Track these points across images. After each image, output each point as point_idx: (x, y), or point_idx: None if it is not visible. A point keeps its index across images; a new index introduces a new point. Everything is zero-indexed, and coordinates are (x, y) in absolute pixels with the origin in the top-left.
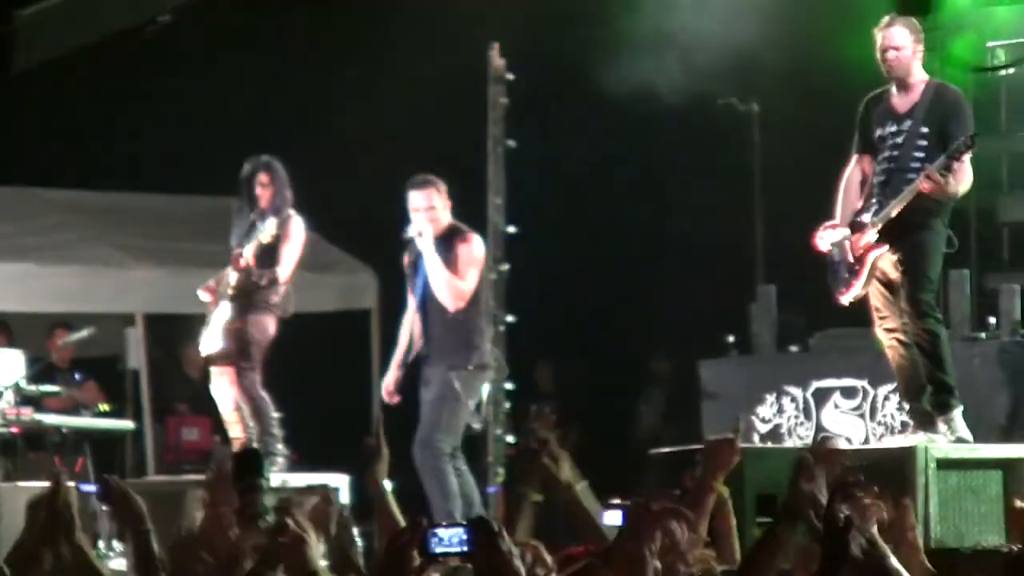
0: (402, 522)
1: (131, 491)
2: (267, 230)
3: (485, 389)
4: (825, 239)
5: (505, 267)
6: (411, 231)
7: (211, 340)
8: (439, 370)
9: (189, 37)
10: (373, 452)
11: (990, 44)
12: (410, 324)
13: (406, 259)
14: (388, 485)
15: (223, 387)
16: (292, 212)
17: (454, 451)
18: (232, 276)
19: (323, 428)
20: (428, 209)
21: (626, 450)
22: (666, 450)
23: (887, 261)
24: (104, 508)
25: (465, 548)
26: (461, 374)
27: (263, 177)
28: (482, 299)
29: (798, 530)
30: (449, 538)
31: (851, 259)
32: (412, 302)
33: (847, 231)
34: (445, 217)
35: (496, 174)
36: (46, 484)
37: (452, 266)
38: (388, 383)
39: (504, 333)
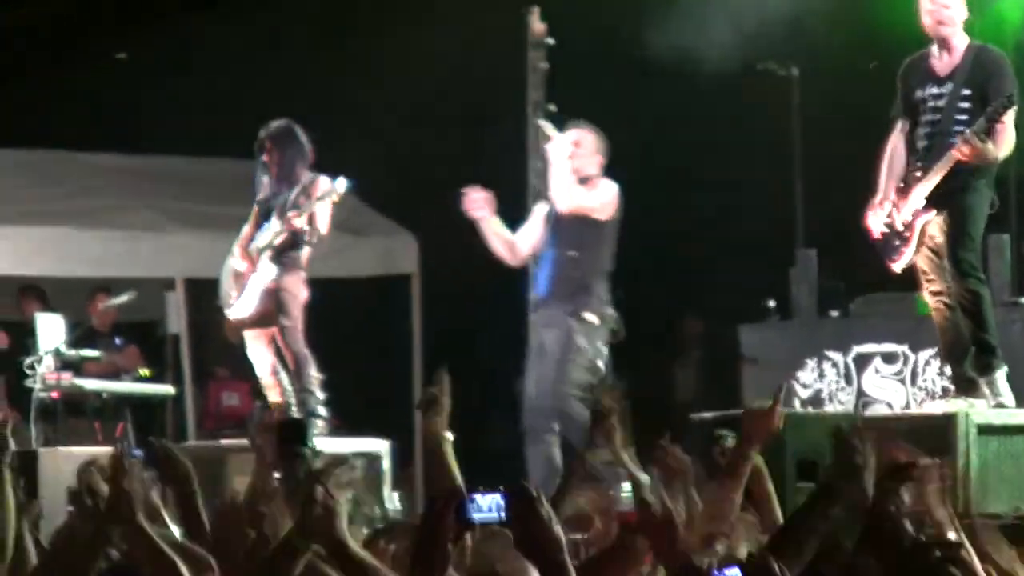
0: (459, 480)
1: (177, 453)
2: (292, 199)
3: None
4: (875, 222)
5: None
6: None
7: (246, 303)
8: (558, 316)
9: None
10: (433, 402)
11: None
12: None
13: (540, 209)
14: (450, 437)
15: (260, 350)
16: (314, 177)
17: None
18: (266, 236)
19: (364, 395)
20: (576, 143)
21: (665, 413)
22: (707, 415)
23: (934, 225)
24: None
25: (503, 515)
26: (582, 323)
27: (266, 152)
28: (606, 250)
29: (839, 504)
30: (488, 506)
31: (900, 226)
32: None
33: (893, 201)
34: (590, 166)
35: (536, 139)
36: (90, 450)
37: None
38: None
39: None
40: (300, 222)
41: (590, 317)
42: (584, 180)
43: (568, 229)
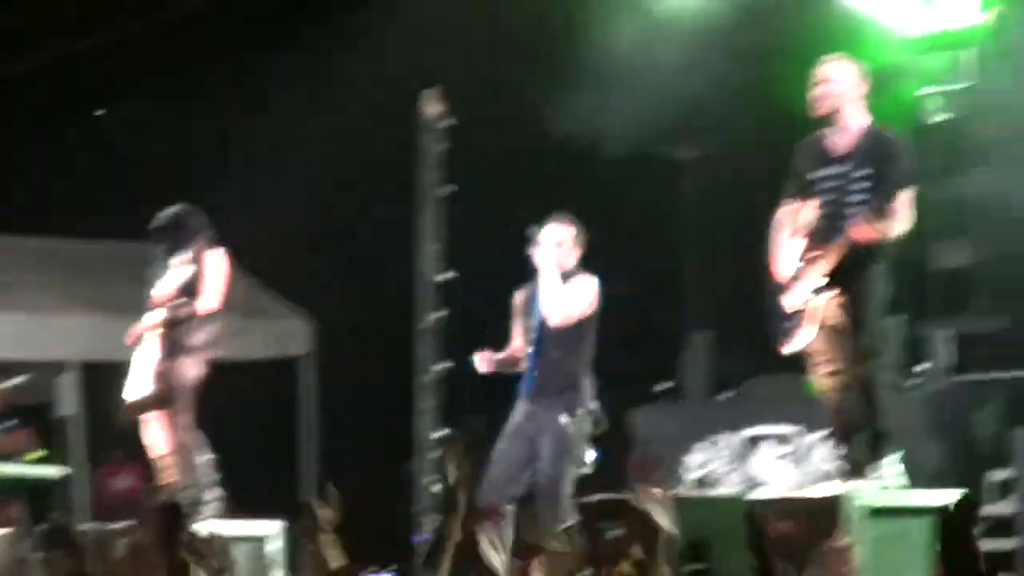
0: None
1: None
2: (173, 279)
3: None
4: (786, 295)
5: (442, 314)
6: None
7: (137, 385)
8: (551, 414)
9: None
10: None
11: (921, 91)
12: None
13: (518, 298)
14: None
15: (155, 431)
16: (211, 250)
17: None
18: (151, 317)
19: (256, 476)
20: (558, 244)
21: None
22: (594, 498)
23: (831, 306)
24: None
25: None
26: (575, 418)
27: (162, 235)
28: (589, 343)
29: None
30: None
31: (794, 308)
32: (518, 341)
33: (792, 279)
34: (571, 261)
35: (430, 220)
36: None
37: (569, 288)
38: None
39: (439, 381)
40: (165, 290)
41: (581, 412)
42: (566, 276)
43: (556, 333)
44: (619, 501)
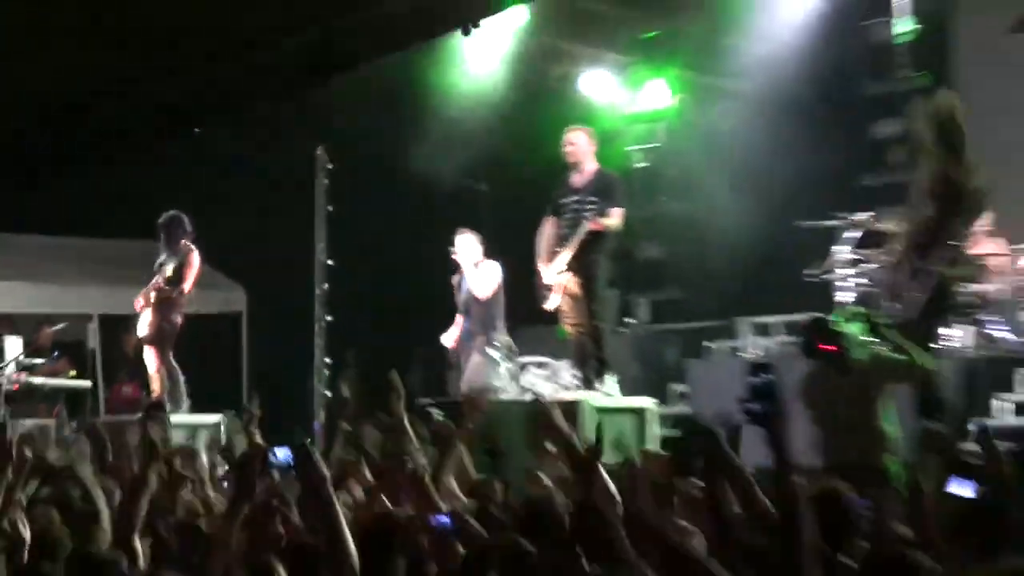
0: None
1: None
2: (170, 266)
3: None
4: (545, 274)
5: (326, 286)
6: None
7: (142, 329)
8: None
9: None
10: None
11: (630, 148)
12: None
13: (454, 280)
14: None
15: (149, 358)
16: (190, 248)
17: None
18: (153, 292)
19: (206, 387)
20: (468, 246)
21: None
22: (429, 400)
23: (572, 282)
24: None
25: (292, 464)
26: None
27: (161, 234)
28: (499, 305)
29: None
30: (282, 457)
31: (550, 281)
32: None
33: (549, 265)
34: (478, 255)
35: (320, 228)
36: (38, 421)
37: (482, 275)
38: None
39: (328, 327)
40: (161, 280)
41: (497, 343)
42: (476, 264)
43: (479, 300)
44: (453, 402)
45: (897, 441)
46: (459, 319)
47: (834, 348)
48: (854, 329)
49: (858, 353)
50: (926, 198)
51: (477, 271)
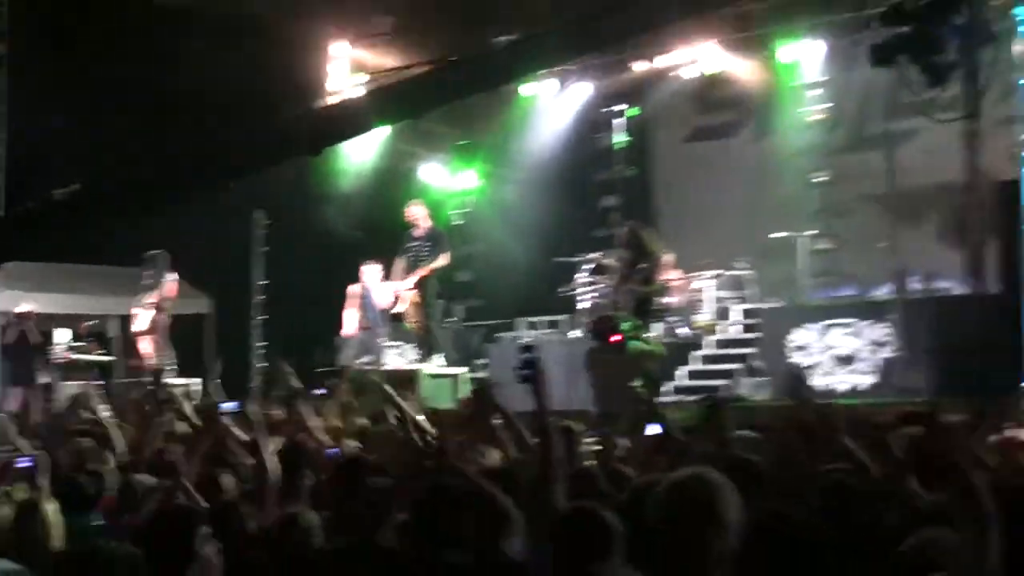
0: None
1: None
2: (160, 282)
3: None
4: (398, 291)
5: (262, 297)
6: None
7: (143, 324)
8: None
9: None
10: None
11: (451, 212)
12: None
13: (354, 292)
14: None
15: (148, 343)
16: (171, 272)
17: None
18: (148, 300)
19: (182, 364)
20: (375, 272)
21: None
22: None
23: (415, 295)
24: None
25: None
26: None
27: (152, 264)
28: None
29: None
30: (230, 406)
31: (398, 295)
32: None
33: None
34: (380, 277)
35: (257, 267)
36: (78, 383)
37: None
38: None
39: (264, 326)
40: (155, 296)
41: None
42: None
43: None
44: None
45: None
46: (354, 315)
47: (620, 337)
48: (626, 327)
49: (630, 343)
50: (628, 247)
51: (381, 288)
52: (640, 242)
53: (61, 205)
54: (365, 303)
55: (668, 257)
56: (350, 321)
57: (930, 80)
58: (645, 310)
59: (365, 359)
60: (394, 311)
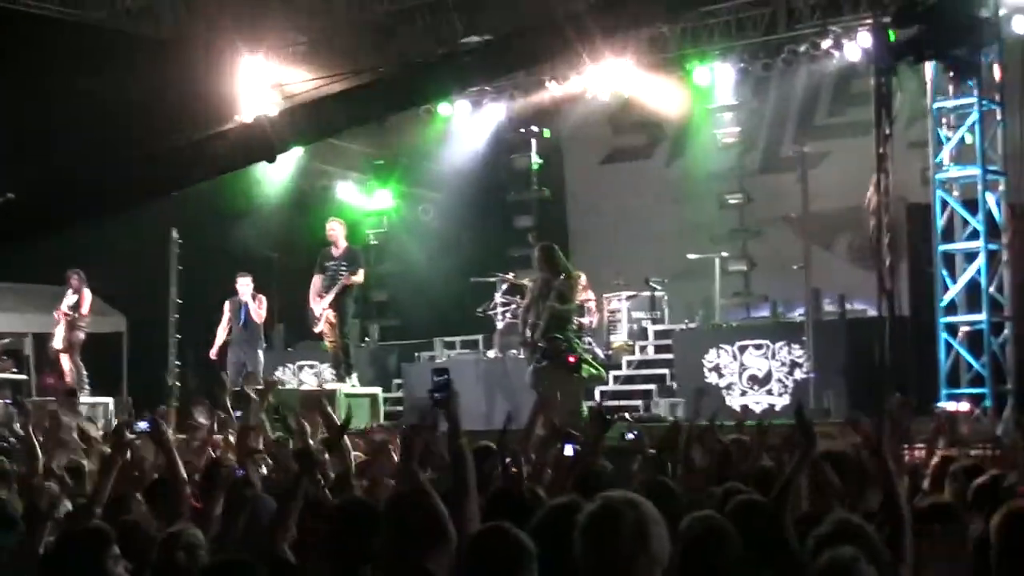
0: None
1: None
2: (73, 300)
3: None
4: (315, 309)
5: (177, 315)
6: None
7: (58, 341)
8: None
9: None
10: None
11: (368, 232)
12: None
13: (227, 307)
14: None
15: (64, 360)
16: (84, 289)
17: None
18: (61, 317)
19: (97, 382)
20: (247, 284)
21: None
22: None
23: (331, 315)
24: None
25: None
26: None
27: (72, 282)
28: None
29: None
30: (143, 425)
31: (318, 313)
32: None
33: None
34: (251, 290)
35: (174, 285)
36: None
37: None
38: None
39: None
40: (65, 308)
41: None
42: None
43: (253, 323)
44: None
45: (582, 416)
46: (220, 333)
47: (575, 359)
48: (578, 349)
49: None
50: (542, 267)
51: (254, 302)
52: (554, 261)
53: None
54: (239, 314)
55: (582, 278)
56: (220, 336)
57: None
58: (561, 329)
59: (247, 373)
60: (315, 328)
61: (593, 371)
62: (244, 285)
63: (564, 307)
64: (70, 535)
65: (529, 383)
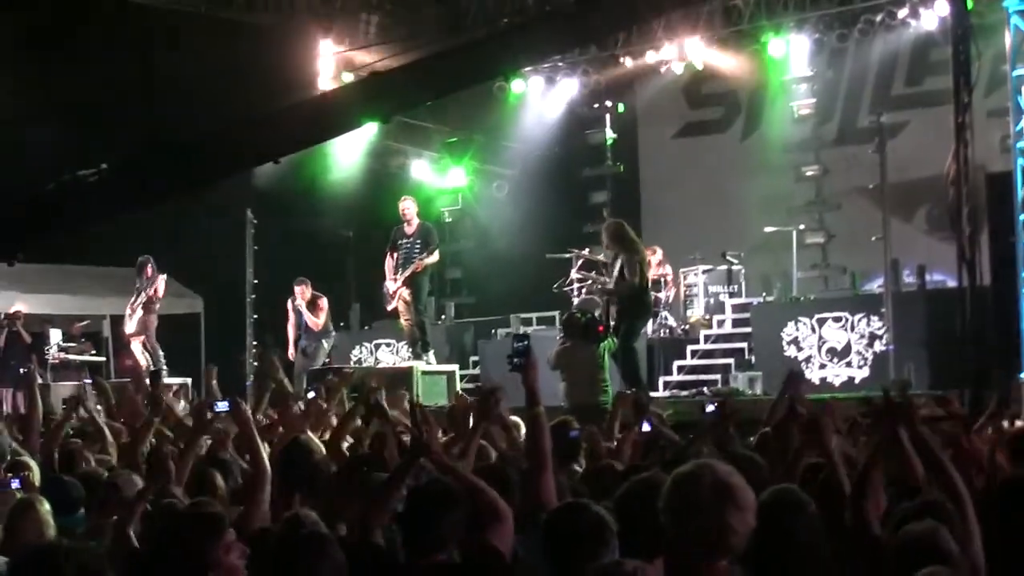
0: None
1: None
2: (148, 284)
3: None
4: (389, 288)
5: (253, 297)
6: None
7: (131, 325)
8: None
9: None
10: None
11: (442, 208)
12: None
13: (291, 306)
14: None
15: (137, 347)
16: (158, 274)
17: None
18: (140, 302)
19: (175, 363)
20: (303, 291)
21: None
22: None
23: (406, 293)
24: None
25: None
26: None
27: (147, 270)
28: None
29: None
30: (222, 406)
31: (392, 291)
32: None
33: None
34: (309, 294)
35: (249, 261)
36: (70, 383)
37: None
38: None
39: (253, 323)
40: (150, 294)
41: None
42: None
43: (308, 326)
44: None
45: (609, 393)
46: (291, 331)
47: (602, 329)
48: (602, 319)
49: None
50: (610, 244)
51: (312, 309)
52: (621, 237)
53: (86, 187)
54: (299, 321)
55: (657, 252)
56: (292, 335)
57: None
58: (637, 304)
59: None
60: (389, 306)
61: (611, 346)
62: (299, 294)
63: (637, 283)
64: (182, 517)
65: (550, 364)
